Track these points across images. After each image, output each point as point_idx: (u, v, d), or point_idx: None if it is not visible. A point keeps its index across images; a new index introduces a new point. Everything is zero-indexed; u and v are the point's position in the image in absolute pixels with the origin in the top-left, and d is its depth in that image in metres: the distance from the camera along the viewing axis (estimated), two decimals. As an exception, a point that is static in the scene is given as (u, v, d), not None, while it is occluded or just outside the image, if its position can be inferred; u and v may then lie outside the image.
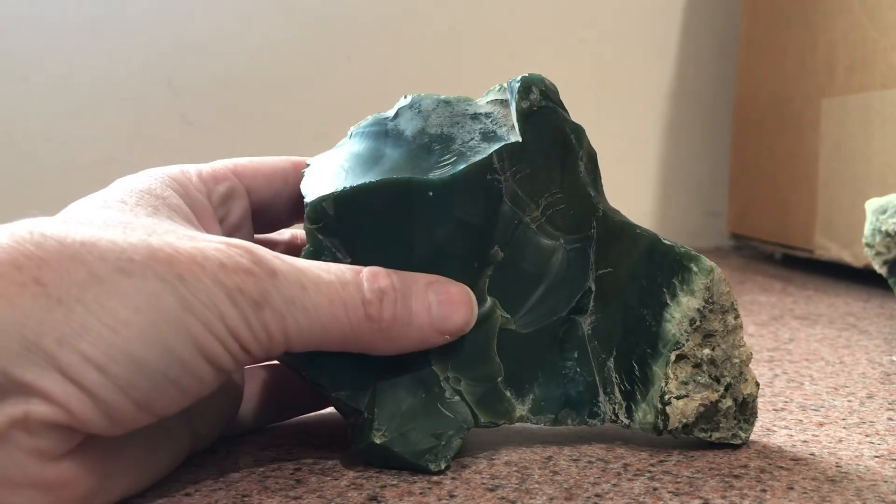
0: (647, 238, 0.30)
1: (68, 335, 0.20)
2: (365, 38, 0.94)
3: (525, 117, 0.28)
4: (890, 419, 0.34)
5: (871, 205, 0.51)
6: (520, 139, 0.28)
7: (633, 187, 1.03)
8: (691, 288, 0.29)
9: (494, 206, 0.28)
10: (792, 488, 0.26)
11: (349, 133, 0.30)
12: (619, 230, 0.30)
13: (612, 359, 0.30)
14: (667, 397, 0.29)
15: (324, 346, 0.25)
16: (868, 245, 0.51)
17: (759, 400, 0.30)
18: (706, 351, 0.29)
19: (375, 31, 0.94)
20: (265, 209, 0.31)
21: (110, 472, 0.23)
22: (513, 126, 0.28)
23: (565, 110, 0.29)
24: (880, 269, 0.52)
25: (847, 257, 0.72)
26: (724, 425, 0.30)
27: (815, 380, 0.41)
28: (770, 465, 0.28)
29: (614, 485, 0.27)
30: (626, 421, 0.30)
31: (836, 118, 0.74)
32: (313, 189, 0.28)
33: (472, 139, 0.28)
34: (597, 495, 0.26)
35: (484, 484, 0.27)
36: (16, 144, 0.85)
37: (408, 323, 0.26)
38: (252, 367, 0.31)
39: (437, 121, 0.29)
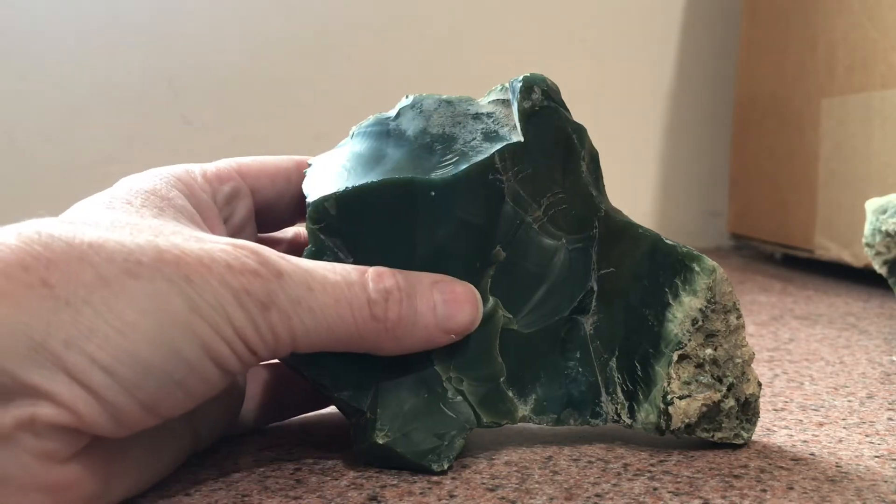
0: (649, 238, 0.30)
1: (75, 337, 0.20)
2: (365, 38, 0.94)
3: (527, 117, 0.28)
4: (890, 419, 0.34)
5: (871, 205, 0.51)
6: (521, 139, 0.28)
7: (633, 187, 1.03)
8: (693, 288, 0.29)
9: (496, 205, 0.28)
10: (792, 488, 0.26)
11: (351, 133, 0.30)
12: (621, 230, 0.30)
13: (614, 359, 0.30)
14: (669, 397, 0.29)
15: (330, 346, 0.25)
16: (868, 245, 0.51)
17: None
18: (708, 351, 0.29)
19: (376, 31, 0.94)
20: (269, 209, 0.31)
21: (114, 474, 0.23)
22: (514, 126, 0.28)
23: (567, 110, 0.29)
24: (880, 269, 0.52)
25: (847, 257, 0.72)
26: (726, 425, 0.30)
27: (815, 380, 0.41)
28: (770, 465, 0.28)
29: (614, 485, 0.27)
30: (629, 421, 0.30)
31: (836, 118, 0.74)
32: (315, 189, 0.28)
33: (473, 139, 0.28)
34: (597, 495, 0.26)
35: (484, 484, 0.27)
36: (16, 144, 0.85)
37: (413, 323, 0.26)
38: (253, 366, 0.31)
39: (438, 121, 0.29)
